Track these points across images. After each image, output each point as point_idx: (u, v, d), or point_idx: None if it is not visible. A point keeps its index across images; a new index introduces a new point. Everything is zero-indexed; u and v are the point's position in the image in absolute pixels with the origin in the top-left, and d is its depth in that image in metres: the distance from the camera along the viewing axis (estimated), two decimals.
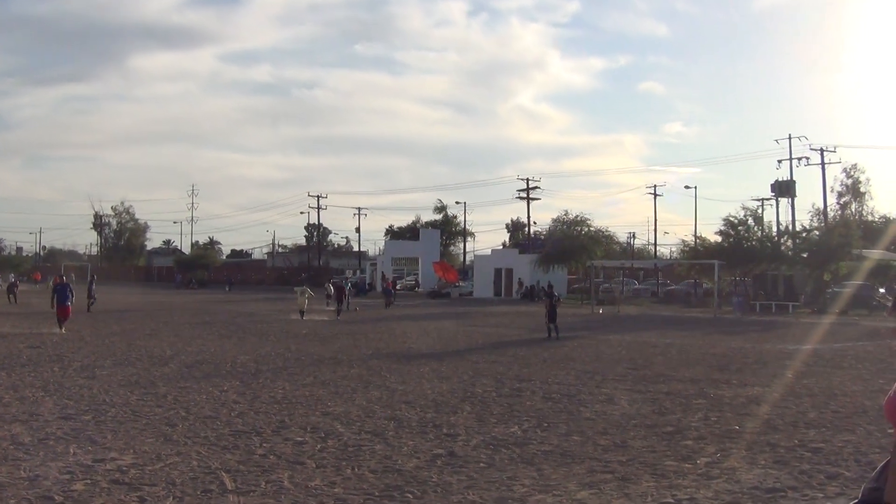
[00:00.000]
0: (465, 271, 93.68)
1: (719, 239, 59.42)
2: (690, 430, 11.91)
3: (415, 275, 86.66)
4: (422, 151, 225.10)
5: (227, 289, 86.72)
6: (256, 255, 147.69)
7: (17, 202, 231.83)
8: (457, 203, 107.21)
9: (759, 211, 64.21)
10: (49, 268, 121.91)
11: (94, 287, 43.74)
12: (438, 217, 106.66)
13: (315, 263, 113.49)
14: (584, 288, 65.79)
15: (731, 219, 58.31)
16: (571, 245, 65.62)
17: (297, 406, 13.62)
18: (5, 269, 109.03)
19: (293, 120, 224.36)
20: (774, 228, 63.00)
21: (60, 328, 27.45)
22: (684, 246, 68.04)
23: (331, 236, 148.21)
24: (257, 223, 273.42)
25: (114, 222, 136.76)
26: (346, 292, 45.39)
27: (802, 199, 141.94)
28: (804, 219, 69.77)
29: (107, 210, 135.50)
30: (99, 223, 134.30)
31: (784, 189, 69.70)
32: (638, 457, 10.10)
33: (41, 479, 8.64)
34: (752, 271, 58.87)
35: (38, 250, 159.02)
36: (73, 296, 28.45)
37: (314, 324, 35.21)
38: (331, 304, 49.99)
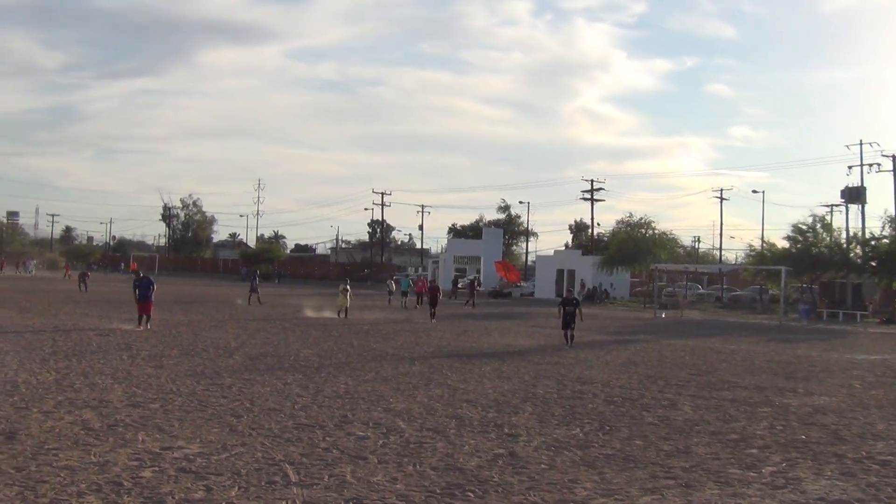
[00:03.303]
0: (527, 271, 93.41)
1: (786, 245, 58.46)
2: (755, 438, 11.74)
3: (477, 274, 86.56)
4: (484, 150, 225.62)
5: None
6: (320, 249, 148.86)
7: (89, 193, 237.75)
8: (520, 203, 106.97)
9: (828, 217, 63.08)
10: (119, 257, 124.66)
11: (257, 281, 45.84)
12: (501, 216, 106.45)
13: (378, 260, 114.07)
14: (647, 291, 65.19)
15: (800, 225, 57.36)
16: (635, 247, 65.08)
17: (359, 401, 13.72)
18: (77, 259, 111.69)
19: (357, 117, 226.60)
20: (843, 235, 61.71)
21: (139, 324, 25.90)
22: (750, 251, 66.72)
23: (394, 233, 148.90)
24: (321, 218, 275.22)
25: (182, 214, 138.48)
26: (440, 293, 39.85)
27: (873, 205, 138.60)
28: (874, 226, 68.12)
29: (175, 202, 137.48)
30: (167, 215, 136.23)
31: (854, 195, 68.27)
32: (701, 463, 9.99)
33: (111, 464, 8.83)
34: (820, 278, 57.82)
35: (108, 240, 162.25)
36: (154, 290, 26.71)
37: (374, 320, 35.37)
38: (393, 301, 50.18)
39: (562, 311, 26.07)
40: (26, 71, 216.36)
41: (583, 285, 68.55)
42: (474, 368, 19.03)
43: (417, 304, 47.48)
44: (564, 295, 27.70)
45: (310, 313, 37.24)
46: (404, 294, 49.50)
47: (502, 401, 14.35)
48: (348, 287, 37.08)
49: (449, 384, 16.24)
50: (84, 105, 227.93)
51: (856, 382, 19.11)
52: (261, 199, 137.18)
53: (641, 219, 70.73)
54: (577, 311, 25.99)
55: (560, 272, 72.18)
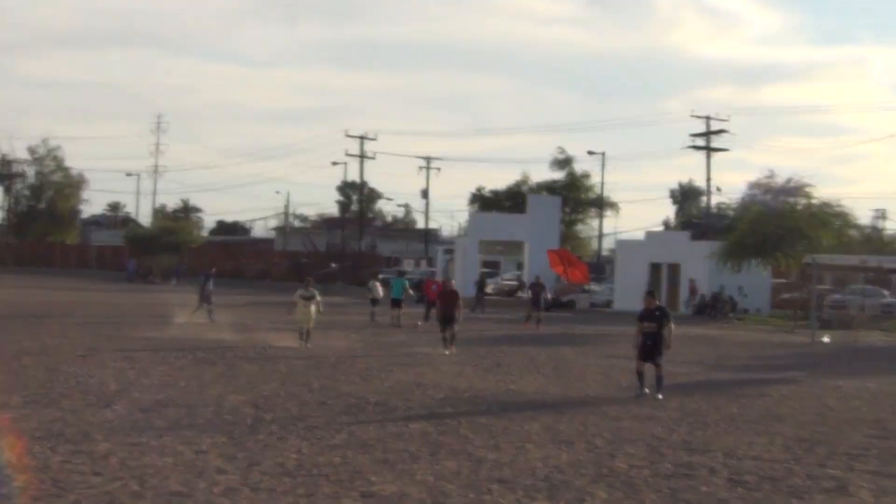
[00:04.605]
0: (601, 266, 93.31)
1: None
2: None
3: (518, 272, 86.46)
4: (533, 68, 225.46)
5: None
6: (258, 230, 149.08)
7: None
8: (590, 154, 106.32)
9: None
10: None
11: (211, 287, 45.96)
12: (560, 176, 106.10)
13: (354, 247, 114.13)
14: (800, 300, 65.11)
15: None
16: (779, 227, 64.85)
17: (320, 481, 13.70)
18: None
19: (321, 13, 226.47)
20: None
21: None
22: None
23: (380, 202, 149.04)
24: (261, 179, 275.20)
25: (31, 172, 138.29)
26: (461, 303, 37.24)
27: None
28: None
29: (20, 152, 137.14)
30: (7, 173, 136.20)
31: None
32: None
33: None
34: None
35: None
36: None
37: (348, 347, 35.36)
38: (379, 314, 50.06)
39: (640, 329, 24.68)
40: None
41: (693, 290, 68.39)
42: (512, 426, 19.04)
43: (424, 319, 47.34)
44: (644, 303, 25.51)
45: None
46: (396, 303, 49.34)
47: (559, 481, 14.33)
48: (314, 292, 35.08)
49: (469, 452, 16.23)
50: None
51: None
52: (161, 148, 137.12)
53: (790, 180, 70.61)
54: (666, 329, 24.39)
55: (655, 268, 71.99)
